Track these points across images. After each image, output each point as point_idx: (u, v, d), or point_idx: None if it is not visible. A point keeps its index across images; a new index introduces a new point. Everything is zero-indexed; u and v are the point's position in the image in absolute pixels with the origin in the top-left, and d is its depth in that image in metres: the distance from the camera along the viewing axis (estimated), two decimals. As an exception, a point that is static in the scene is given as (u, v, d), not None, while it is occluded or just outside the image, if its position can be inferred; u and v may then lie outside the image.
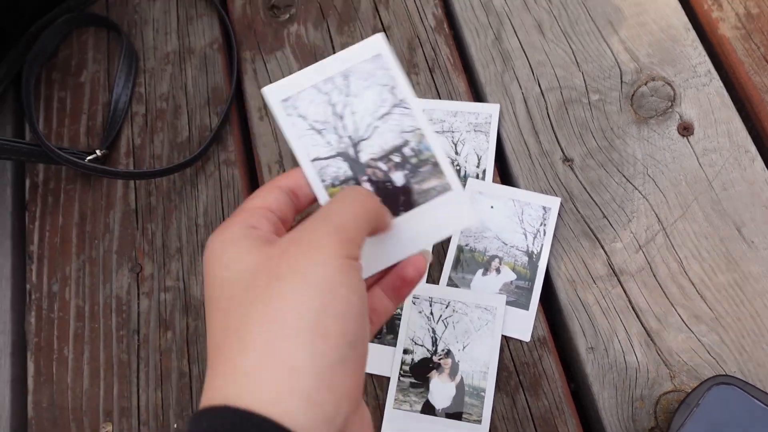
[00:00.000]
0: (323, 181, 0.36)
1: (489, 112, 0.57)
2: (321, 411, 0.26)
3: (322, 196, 0.36)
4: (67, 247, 0.59)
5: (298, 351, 0.26)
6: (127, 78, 0.63)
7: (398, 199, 0.36)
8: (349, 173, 0.36)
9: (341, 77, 0.36)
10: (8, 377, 0.55)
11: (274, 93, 0.36)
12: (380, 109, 0.36)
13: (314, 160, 0.36)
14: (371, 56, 0.36)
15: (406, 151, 0.36)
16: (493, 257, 0.52)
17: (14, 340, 0.57)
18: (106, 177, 0.59)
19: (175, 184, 0.60)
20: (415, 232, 0.36)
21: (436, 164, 0.36)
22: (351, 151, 0.36)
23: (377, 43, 0.36)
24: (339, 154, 0.36)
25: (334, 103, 0.36)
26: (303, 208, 0.36)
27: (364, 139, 0.36)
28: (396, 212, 0.36)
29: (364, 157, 0.36)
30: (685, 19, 0.59)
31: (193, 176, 0.60)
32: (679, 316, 0.49)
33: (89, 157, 0.58)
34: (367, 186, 0.36)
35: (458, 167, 0.56)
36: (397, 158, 0.36)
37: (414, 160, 0.36)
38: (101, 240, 0.59)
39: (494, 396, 0.48)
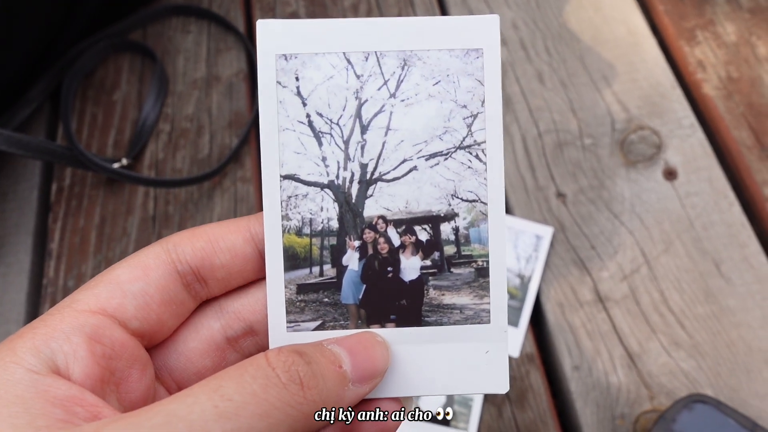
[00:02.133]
0: (285, 219, 0.23)
1: (490, 148, 0.62)
2: None
3: (273, 266, 0.22)
4: (86, 247, 0.62)
5: None
6: (156, 99, 0.68)
7: (393, 301, 0.23)
8: (334, 224, 0.23)
9: (398, 59, 0.22)
10: (15, 366, 0.57)
11: (272, 36, 0.22)
12: (436, 142, 0.22)
13: (287, 177, 0.23)
14: (465, 47, 0.22)
15: (446, 229, 0.22)
16: (487, 278, 0.56)
17: (25, 331, 0.59)
18: (129, 182, 0.63)
19: (192, 196, 0.64)
20: (404, 367, 0.22)
21: (483, 271, 0.22)
22: (354, 190, 0.23)
23: (489, 26, 0.22)
24: (331, 186, 0.23)
25: (364, 98, 0.22)
26: (217, 292, 0.23)
27: (384, 179, 0.23)
28: (383, 321, 0.23)
29: (370, 209, 0.23)
30: (673, 78, 0.64)
31: (210, 190, 0.64)
32: (660, 342, 0.52)
33: (115, 164, 0.62)
34: (354, 258, 0.23)
35: (459, 195, 0.60)
36: (424, 234, 0.23)
37: (451, 250, 0.23)
38: (118, 242, 0.62)
39: (482, 406, 0.51)
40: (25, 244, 0.63)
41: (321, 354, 0.20)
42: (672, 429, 0.46)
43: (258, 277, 0.24)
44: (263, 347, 0.24)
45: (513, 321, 0.54)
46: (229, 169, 0.65)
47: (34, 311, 0.60)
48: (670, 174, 0.59)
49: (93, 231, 0.63)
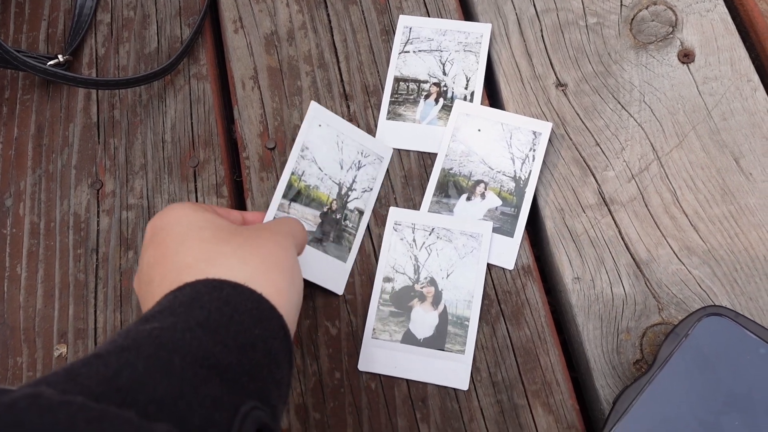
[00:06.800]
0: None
1: (480, 32, 0.54)
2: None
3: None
4: (23, 161, 0.55)
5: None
6: (91, -17, 0.58)
7: None
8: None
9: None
10: (-44, 295, 0.52)
11: None
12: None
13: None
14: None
15: None
16: (478, 182, 0.49)
17: (-37, 256, 0.53)
18: (67, 84, 0.54)
19: (140, 98, 0.55)
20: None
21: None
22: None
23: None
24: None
25: None
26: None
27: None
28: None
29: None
30: (691, -58, 0.55)
31: (161, 90, 0.56)
32: (671, 247, 0.47)
33: (50, 62, 0.54)
34: None
35: (445, 88, 0.53)
36: None
37: None
38: (59, 154, 0.54)
39: (477, 326, 0.46)
40: (-46, 159, 0.55)
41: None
42: (684, 344, 0.42)
43: None
44: None
45: (508, 230, 0.48)
46: (181, 65, 0.56)
47: (-31, 235, 0.53)
48: (686, 56, 0.52)
49: (29, 142, 0.55)
